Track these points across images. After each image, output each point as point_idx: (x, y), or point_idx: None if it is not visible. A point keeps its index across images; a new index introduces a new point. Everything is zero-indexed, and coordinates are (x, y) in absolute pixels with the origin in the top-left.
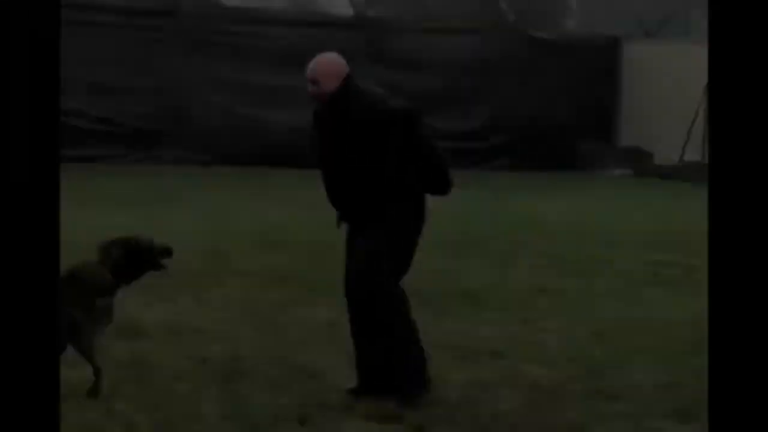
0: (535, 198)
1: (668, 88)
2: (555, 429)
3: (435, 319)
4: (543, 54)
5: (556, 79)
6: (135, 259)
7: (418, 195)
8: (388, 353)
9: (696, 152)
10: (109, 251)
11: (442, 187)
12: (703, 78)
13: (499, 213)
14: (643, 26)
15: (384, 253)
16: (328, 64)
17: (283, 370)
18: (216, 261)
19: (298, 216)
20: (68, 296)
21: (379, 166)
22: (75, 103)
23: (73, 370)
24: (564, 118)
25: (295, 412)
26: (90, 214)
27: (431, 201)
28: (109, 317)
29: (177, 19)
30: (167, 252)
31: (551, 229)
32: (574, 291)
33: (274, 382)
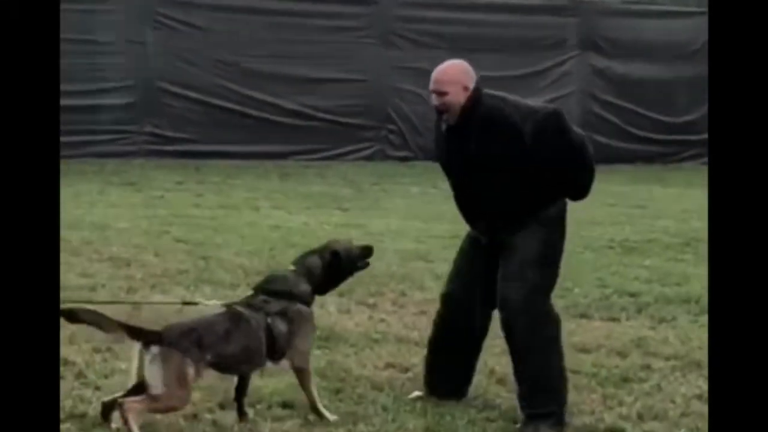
0: None
1: None
2: None
3: (652, 326)
4: None
5: None
6: (335, 269)
7: (562, 199)
8: (556, 379)
9: None
10: (307, 265)
11: (578, 193)
12: None
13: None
14: None
15: (540, 265)
16: (455, 72)
17: (488, 381)
18: (416, 263)
19: None
20: (264, 306)
21: (526, 172)
22: (266, 95)
23: (269, 379)
24: None
25: (502, 426)
26: (282, 214)
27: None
28: (313, 327)
29: (374, 5)
30: (368, 252)
31: None
32: None
33: (480, 394)
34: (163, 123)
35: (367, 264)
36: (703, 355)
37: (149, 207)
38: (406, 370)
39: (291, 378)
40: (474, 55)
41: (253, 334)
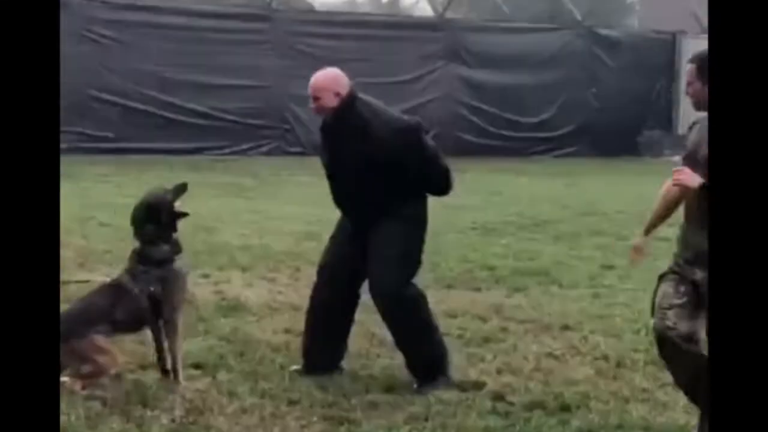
0: (600, 183)
1: None
2: (621, 394)
3: (508, 295)
4: (608, 50)
5: (620, 72)
6: (158, 215)
7: (423, 197)
8: (438, 345)
9: None
10: (139, 221)
11: (443, 189)
12: None
13: (568, 197)
14: (700, 23)
15: (405, 259)
16: (327, 80)
17: (364, 345)
18: (309, 243)
19: None
20: (141, 273)
21: (391, 175)
22: (179, 100)
23: (186, 343)
24: (627, 109)
25: (383, 380)
26: (193, 201)
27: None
28: (184, 285)
29: (271, 23)
30: (182, 189)
31: (616, 211)
32: (638, 269)
33: (363, 353)
34: (90, 124)
35: (187, 213)
36: (551, 320)
37: (77, 197)
38: (300, 334)
39: (203, 341)
40: (357, 64)
41: (136, 301)
